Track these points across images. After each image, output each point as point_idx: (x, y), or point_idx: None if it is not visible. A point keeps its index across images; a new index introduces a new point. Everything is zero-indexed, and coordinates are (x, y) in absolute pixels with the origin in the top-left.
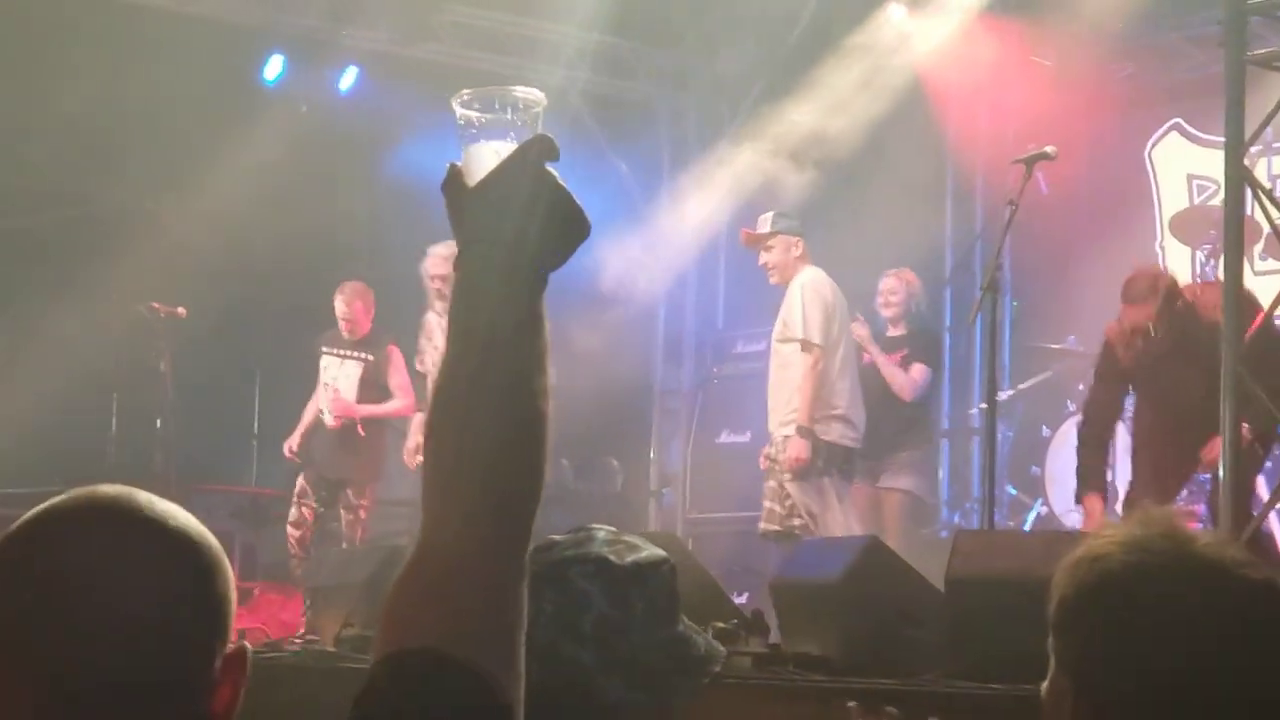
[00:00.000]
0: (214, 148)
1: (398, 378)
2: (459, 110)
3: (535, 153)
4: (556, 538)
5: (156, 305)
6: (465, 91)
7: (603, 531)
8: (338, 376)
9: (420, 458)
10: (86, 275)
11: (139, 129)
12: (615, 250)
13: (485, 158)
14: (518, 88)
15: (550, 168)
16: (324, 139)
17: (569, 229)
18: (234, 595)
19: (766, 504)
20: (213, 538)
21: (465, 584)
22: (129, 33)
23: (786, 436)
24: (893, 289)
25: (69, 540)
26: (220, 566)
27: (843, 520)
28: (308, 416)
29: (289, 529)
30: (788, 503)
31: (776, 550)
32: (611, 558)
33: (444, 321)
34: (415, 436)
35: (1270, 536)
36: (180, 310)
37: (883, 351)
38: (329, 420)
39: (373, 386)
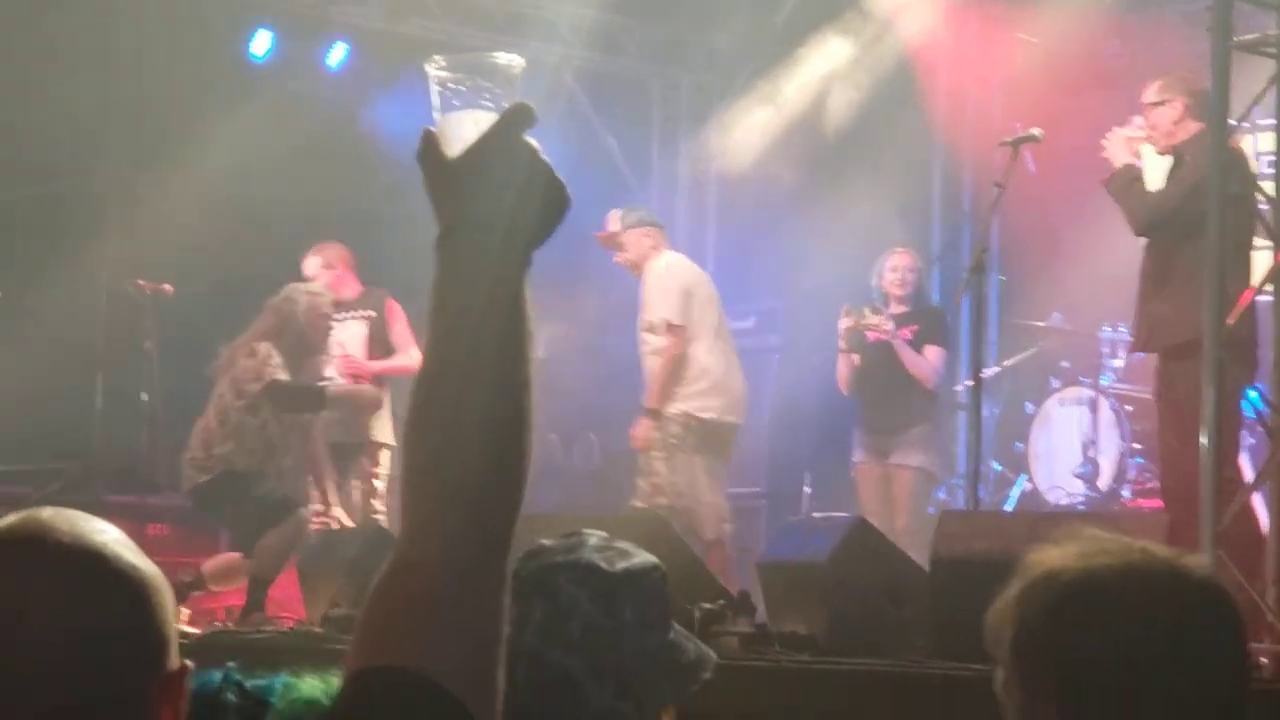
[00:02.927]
0: (202, 124)
1: (401, 331)
2: (433, 75)
3: (518, 122)
4: (547, 543)
5: (142, 282)
6: (439, 57)
7: (594, 537)
8: (343, 340)
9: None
10: (71, 252)
11: (126, 105)
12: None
13: (463, 127)
14: (496, 53)
15: (529, 136)
16: (313, 115)
17: (554, 205)
18: (168, 615)
19: (639, 480)
20: (143, 560)
21: (445, 604)
22: (116, 8)
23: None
24: (909, 266)
25: None
26: (145, 588)
27: (712, 500)
28: None
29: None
30: (653, 480)
31: (765, 527)
32: (601, 564)
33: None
34: None
35: (1253, 514)
36: (166, 287)
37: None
38: (340, 382)
39: (380, 344)
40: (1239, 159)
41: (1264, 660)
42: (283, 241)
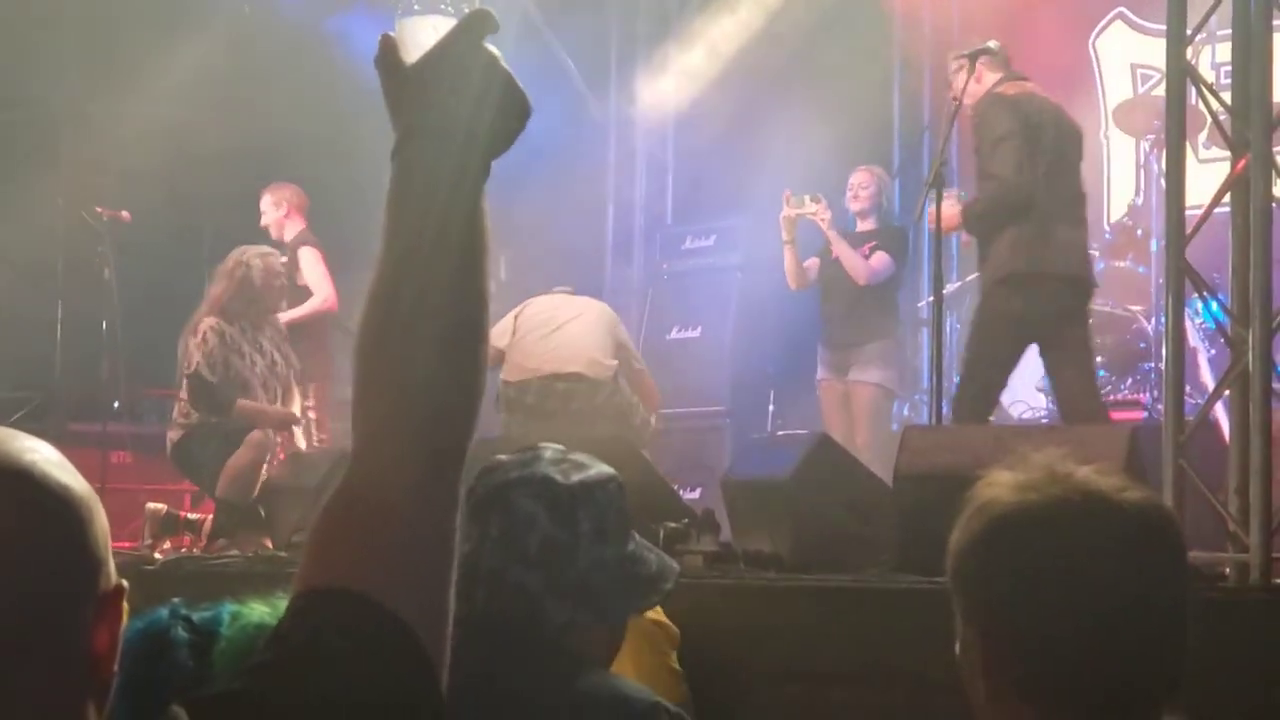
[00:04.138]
0: (157, 49)
1: (309, 276)
2: None
3: (477, 28)
4: (503, 458)
5: (100, 209)
6: None
7: (550, 450)
8: None
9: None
10: (27, 181)
11: (77, 30)
12: (563, 147)
13: (422, 32)
14: None
15: (489, 44)
16: (268, 38)
17: (513, 113)
18: (101, 535)
19: None
20: (76, 478)
21: (395, 525)
22: None
23: None
24: (863, 183)
25: None
26: (77, 508)
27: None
28: None
29: None
30: None
31: (729, 446)
32: (557, 477)
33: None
34: None
35: (1216, 424)
36: (124, 214)
37: (850, 246)
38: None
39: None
40: (1008, 104)
41: (1227, 570)
42: (239, 167)
